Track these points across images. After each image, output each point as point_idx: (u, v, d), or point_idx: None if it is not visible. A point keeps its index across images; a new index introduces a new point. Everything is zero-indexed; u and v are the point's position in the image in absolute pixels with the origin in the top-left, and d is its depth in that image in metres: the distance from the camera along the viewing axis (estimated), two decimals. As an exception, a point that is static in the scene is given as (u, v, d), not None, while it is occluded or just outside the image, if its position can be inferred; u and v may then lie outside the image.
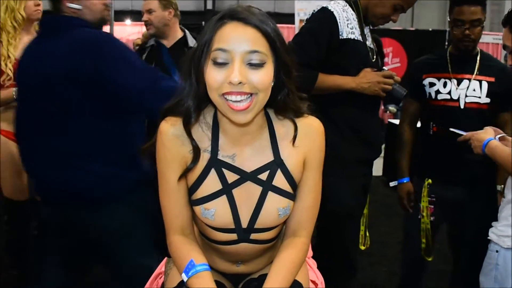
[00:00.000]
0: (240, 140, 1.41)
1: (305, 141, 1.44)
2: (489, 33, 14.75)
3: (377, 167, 7.09)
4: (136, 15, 14.86)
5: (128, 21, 13.27)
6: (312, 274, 1.72)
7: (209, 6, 16.84)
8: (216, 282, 1.45)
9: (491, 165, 2.60)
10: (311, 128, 1.45)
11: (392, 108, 9.43)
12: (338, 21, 2.53)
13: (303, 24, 2.63)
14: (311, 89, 2.43)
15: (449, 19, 2.84)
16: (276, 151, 1.42)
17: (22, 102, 2.34)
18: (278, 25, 1.36)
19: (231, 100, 1.25)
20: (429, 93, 2.88)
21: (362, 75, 2.54)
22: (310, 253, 1.76)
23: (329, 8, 2.56)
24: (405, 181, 2.99)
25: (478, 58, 2.82)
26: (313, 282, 1.69)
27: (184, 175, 1.41)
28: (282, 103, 1.39)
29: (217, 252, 1.54)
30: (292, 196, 1.46)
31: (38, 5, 3.16)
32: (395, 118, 8.11)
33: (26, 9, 3.08)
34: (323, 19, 2.55)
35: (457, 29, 2.77)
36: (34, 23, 3.21)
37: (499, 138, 2.29)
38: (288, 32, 10.62)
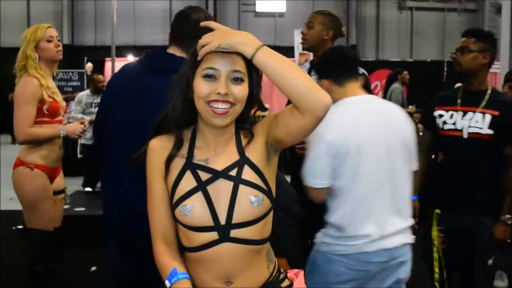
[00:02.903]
0: (214, 147, 1.61)
1: (258, 132, 1.64)
2: (487, 63, 14.89)
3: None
4: (138, 51, 15.06)
5: (130, 57, 13.37)
6: None
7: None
8: None
9: (497, 195, 2.82)
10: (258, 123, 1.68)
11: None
12: None
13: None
14: None
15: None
16: (241, 151, 1.62)
17: (110, 136, 2.31)
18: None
19: (214, 107, 1.50)
20: (438, 124, 3.06)
21: None
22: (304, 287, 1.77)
23: None
24: (413, 199, 3.08)
25: (488, 93, 2.95)
26: None
27: (168, 163, 1.60)
28: (244, 116, 1.61)
29: (204, 266, 1.58)
30: (262, 189, 1.57)
31: (58, 46, 3.29)
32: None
33: (47, 52, 3.22)
34: None
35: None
36: (54, 67, 3.35)
37: None
38: (288, 64, 10.68)
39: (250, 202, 1.54)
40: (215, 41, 1.47)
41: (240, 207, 1.54)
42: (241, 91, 1.52)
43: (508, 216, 2.83)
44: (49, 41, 3.22)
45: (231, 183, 1.56)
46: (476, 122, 2.90)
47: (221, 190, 1.56)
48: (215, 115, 1.51)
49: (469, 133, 2.91)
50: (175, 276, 1.52)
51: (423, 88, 8.25)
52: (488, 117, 2.88)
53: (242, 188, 1.55)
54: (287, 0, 17.46)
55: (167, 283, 1.53)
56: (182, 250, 1.64)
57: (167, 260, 1.58)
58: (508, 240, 2.87)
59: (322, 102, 1.45)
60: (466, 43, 2.98)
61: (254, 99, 1.62)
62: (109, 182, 2.33)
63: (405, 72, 8.19)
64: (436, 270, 3.02)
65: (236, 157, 1.60)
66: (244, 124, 1.64)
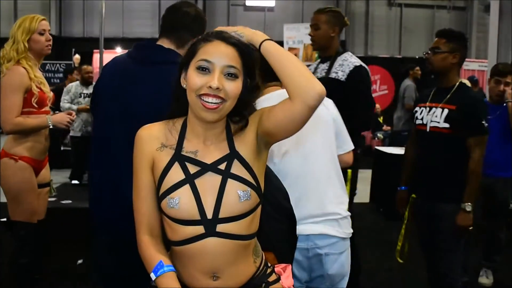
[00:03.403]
0: (204, 140, 1.60)
1: (249, 124, 1.63)
2: (474, 60, 14.99)
3: (364, 194, 7.13)
4: (126, 43, 14.95)
5: (118, 49, 13.29)
6: None
7: (199, 33, 16.96)
8: None
9: (459, 184, 3.04)
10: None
11: (380, 135, 9.49)
12: None
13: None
14: None
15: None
16: (231, 145, 1.61)
17: (100, 125, 2.31)
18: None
19: (205, 101, 1.49)
20: (415, 119, 3.38)
21: None
22: (291, 281, 1.77)
23: None
24: (401, 189, 3.50)
25: (454, 89, 3.17)
26: None
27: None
28: (244, 102, 1.61)
29: (189, 260, 1.58)
30: (251, 184, 1.56)
31: (49, 40, 3.28)
32: (383, 145, 8.14)
33: (38, 44, 3.21)
34: None
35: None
36: (41, 59, 3.34)
37: None
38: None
39: (238, 196, 1.53)
40: (235, 28, 1.61)
41: (228, 201, 1.53)
42: (233, 87, 1.52)
43: (468, 203, 3.00)
44: (41, 34, 3.22)
45: (220, 177, 1.56)
46: (436, 116, 3.15)
47: (209, 183, 1.55)
48: (205, 109, 1.50)
49: (430, 127, 3.18)
50: (161, 268, 1.53)
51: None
52: (445, 112, 3.11)
53: (230, 182, 1.55)
54: (277, -5, 17.45)
55: (152, 275, 1.53)
56: (167, 244, 1.63)
57: (152, 252, 1.58)
58: (470, 228, 3.02)
59: (314, 90, 1.48)
60: (437, 44, 3.20)
61: (244, 102, 1.60)
62: (99, 174, 2.30)
63: (417, 68, 8.28)
64: (399, 243, 3.44)
65: (226, 150, 1.60)
66: (243, 111, 1.62)
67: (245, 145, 1.61)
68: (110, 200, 2.21)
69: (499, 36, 9.38)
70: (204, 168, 1.57)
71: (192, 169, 1.56)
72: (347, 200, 2.45)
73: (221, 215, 1.53)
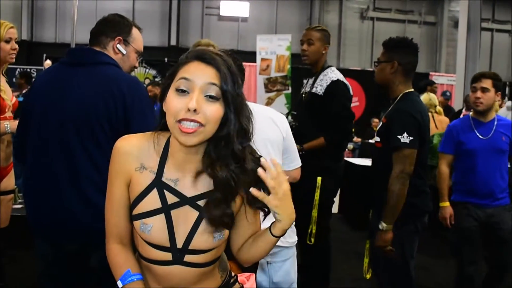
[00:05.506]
0: (185, 167, 1.53)
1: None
2: (443, 74, 15.29)
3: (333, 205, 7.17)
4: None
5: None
6: None
7: (173, 42, 16.94)
8: None
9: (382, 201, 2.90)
10: None
11: (350, 145, 9.57)
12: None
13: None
14: None
15: None
16: None
17: (36, 129, 2.29)
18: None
19: (182, 124, 1.39)
20: None
21: None
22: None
23: None
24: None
25: (395, 101, 3.01)
26: None
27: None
28: (222, 144, 1.49)
29: (154, 278, 1.58)
30: (228, 226, 1.54)
31: (15, 49, 3.16)
32: (352, 156, 8.22)
33: (2, 52, 3.10)
34: None
35: None
36: (3, 66, 3.22)
37: None
38: (250, 69, 10.85)
39: (213, 237, 1.52)
40: (273, 201, 1.45)
41: (200, 238, 1.51)
42: (213, 109, 1.41)
43: (384, 223, 2.85)
44: (7, 42, 3.10)
45: (197, 213, 1.51)
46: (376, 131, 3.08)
47: (184, 216, 1.52)
48: (182, 133, 1.40)
49: (375, 141, 3.07)
50: (128, 277, 1.52)
51: (380, 98, 8.37)
52: (380, 125, 3.03)
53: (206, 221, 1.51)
54: (251, 1, 17.52)
55: (119, 283, 1.53)
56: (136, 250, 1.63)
57: (121, 260, 1.57)
58: (389, 248, 2.88)
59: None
60: (380, 55, 3.10)
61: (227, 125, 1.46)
62: (36, 179, 2.29)
63: (435, 85, 8.31)
64: (366, 260, 3.26)
65: (209, 187, 1.52)
66: (233, 160, 1.48)
67: None
68: (52, 206, 2.22)
69: (467, 51, 9.60)
70: (183, 200, 1.52)
71: (170, 199, 1.52)
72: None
73: (192, 247, 1.52)
